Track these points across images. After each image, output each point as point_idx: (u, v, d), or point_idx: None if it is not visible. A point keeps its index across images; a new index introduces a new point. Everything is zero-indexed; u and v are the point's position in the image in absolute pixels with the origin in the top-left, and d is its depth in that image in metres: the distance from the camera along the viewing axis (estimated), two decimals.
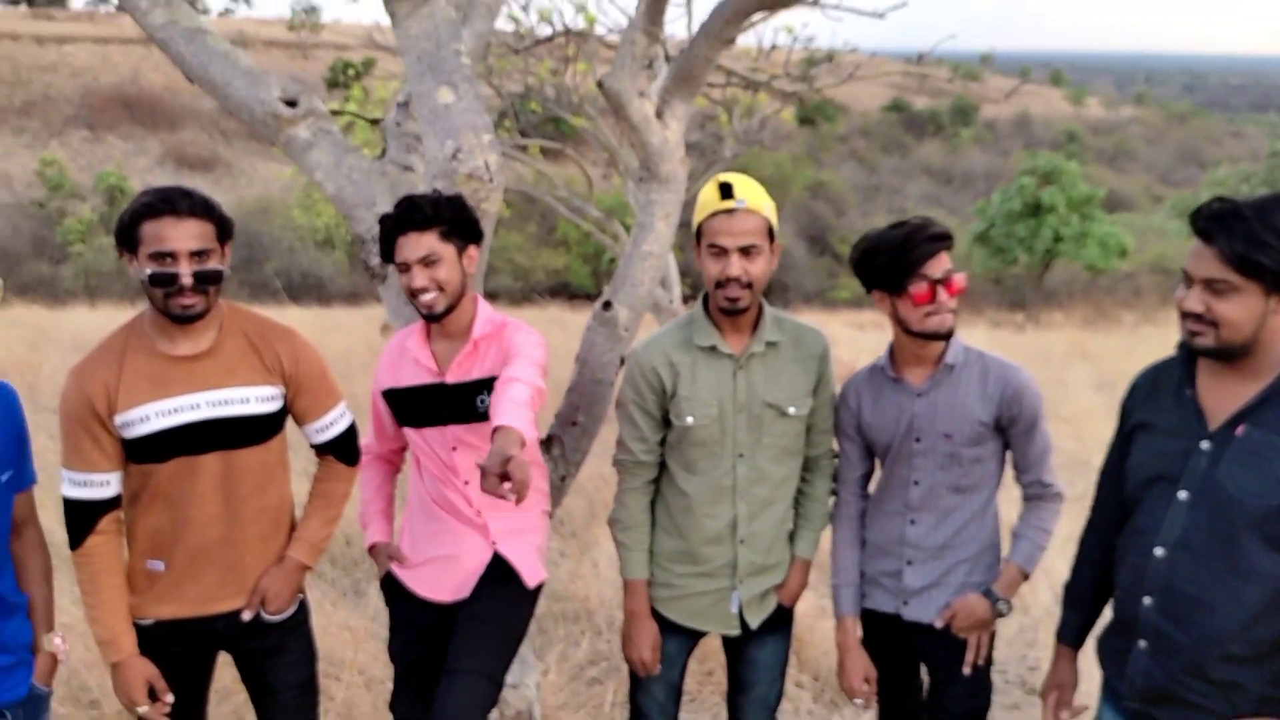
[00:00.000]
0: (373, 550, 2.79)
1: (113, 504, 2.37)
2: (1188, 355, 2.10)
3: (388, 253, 2.52)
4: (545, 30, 7.27)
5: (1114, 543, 2.22)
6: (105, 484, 2.34)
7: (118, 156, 49.84)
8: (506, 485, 2.00)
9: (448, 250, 2.48)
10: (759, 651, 2.74)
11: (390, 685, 2.77)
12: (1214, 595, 1.99)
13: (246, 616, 2.48)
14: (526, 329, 2.54)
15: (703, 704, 4.03)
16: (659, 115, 3.01)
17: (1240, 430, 1.99)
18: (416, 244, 2.46)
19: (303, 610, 2.63)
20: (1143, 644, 2.10)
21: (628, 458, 2.68)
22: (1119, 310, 24.66)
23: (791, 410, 2.60)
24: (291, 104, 2.90)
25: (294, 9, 69.85)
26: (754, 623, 2.68)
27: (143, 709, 2.37)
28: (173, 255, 2.25)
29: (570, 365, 3.13)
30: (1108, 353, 12.93)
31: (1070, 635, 2.37)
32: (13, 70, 56.76)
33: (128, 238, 2.28)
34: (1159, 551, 2.06)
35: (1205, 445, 2.02)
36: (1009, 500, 2.72)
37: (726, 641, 2.77)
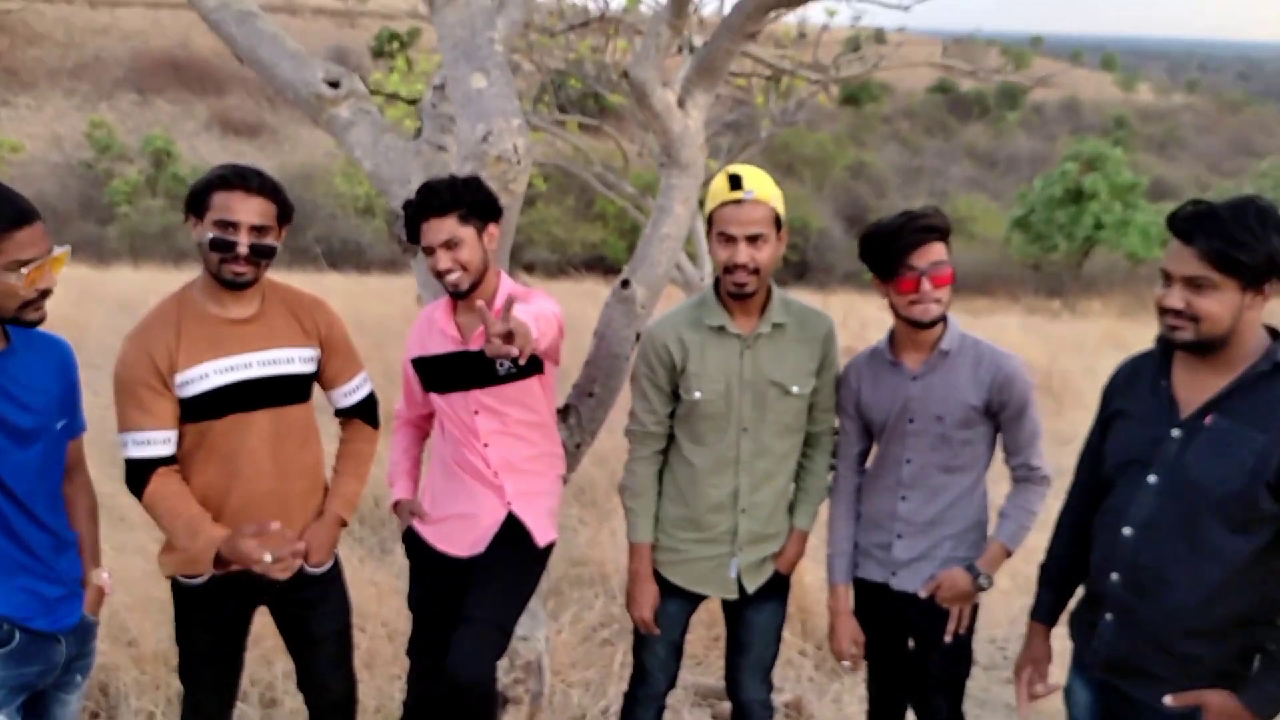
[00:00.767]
0: (397, 506, 2.97)
1: (171, 459, 2.54)
2: (1165, 348, 2.23)
3: (413, 236, 2.68)
4: (584, 14, 7.33)
5: (1089, 523, 2.33)
6: (166, 441, 2.51)
7: (165, 120, 50.46)
8: (511, 348, 2.16)
9: (468, 232, 2.62)
10: (757, 615, 2.89)
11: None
12: (1176, 573, 2.11)
13: (289, 571, 2.53)
14: (543, 295, 2.67)
15: (709, 666, 4.19)
16: (680, 104, 3.14)
17: (1209, 419, 2.11)
18: (439, 229, 2.61)
19: (337, 564, 2.82)
20: (1109, 617, 2.23)
21: (638, 428, 2.84)
22: None
23: (794, 389, 2.74)
24: (334, 85, 3.07)
25: None
26: (751, 588, 2.83)
27: (266, 557, 2.42)
28: (235, 225, 2.45)
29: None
30: (1143, 343, 12.55)
31: (1044, 613, 2.48)
32: (65, 32, 57.60)
33: (198, 203, 2.48)
34: (1127, 531, 2.19)
35: (1176, 433, 2.14)
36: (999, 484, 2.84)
37: (726, 605, 2.92)
